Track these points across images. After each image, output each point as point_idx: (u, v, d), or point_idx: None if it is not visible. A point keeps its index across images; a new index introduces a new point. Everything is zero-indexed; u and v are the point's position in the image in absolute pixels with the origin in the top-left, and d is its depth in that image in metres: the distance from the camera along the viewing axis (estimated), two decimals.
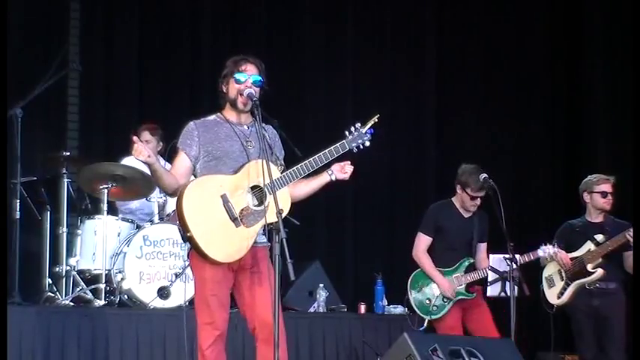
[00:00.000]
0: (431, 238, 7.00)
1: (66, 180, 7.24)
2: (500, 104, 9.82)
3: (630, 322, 6.94)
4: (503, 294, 6.62)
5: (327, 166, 5.04)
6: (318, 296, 7.49)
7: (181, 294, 6.72)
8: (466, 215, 7.00)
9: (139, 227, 7.14)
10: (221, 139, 4.94)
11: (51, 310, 6.70)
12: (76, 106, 8.62)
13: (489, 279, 6.87)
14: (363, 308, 7.65)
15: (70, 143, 8.45)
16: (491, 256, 7.05)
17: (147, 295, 6.86)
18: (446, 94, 9.78)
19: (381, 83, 9.56)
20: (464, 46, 9.83)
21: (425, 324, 6.94)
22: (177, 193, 4.86)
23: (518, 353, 6.14)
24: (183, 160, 4.96)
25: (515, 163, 9.81)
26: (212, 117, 5.05)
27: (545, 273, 7.13)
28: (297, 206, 5.01)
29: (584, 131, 9.77)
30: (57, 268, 7.15)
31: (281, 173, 4.93)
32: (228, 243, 4.81)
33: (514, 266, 6.53)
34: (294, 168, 4.93)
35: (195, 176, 4.99)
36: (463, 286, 6.91)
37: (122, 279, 6.91)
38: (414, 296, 6.98)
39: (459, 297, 6.90)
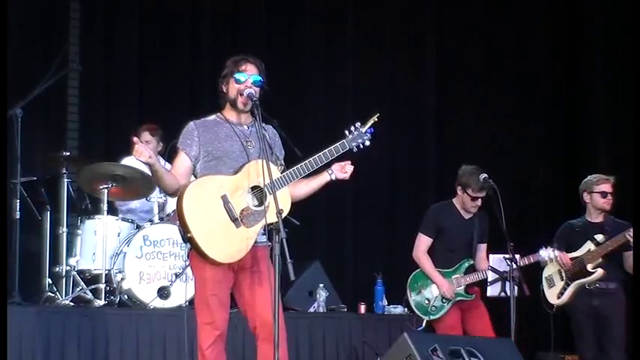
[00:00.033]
0: (431, 239, 7.00)
1: (66, 180, 7.24)
2: (500, 104, 9.82)
3: (630, 322, 6.94)
4: (503, 294, 6.61)
5: (327, 166, 5.04)
6: (318, 296, 7.50)
7: (181, 294, 6.72)
8: (466, 216, 7.00)
9: (139, 227, 7.14)
10: (221, 139, 4.94)
11: (51, 310, 6.70)
12: (76, 106, 8.62)
13: (489, 279, 6.87)
14: (363, 308, 7.65)
15: (70, 143, 8.45)
16: (491, 256, 7.05)
17: (147, 295, 6.86)
18: (446, 94, 9.78)
19: (381, 83, 9.56)
20: (464, 46, 9.83)
21: (423, 324, 6.94)
22: (177, 193, 4.86)
23: (518, 353, 6.14)
24: (183, 161, 4.96)
25: (515, 163, 9.81)
26: (212, 117, 5.05)
27: (545, 273, 7.13)
28: (297, 206, 5.01)
29: (584, 131, 9.77)
30: (57, 268, 7.15)
31: (281, 173, 4.93)
32: (228, 243, 4.81)
33: (514, 266, 6.53)
34: (294, 168, 4.93)
35: (196, 176, 4.99)
36: (462, 287, 6.91)
37: (122, 279, 6.91)
38: (413, 297, 6.98)
39: (458, 298, 6.90)
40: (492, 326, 6.90)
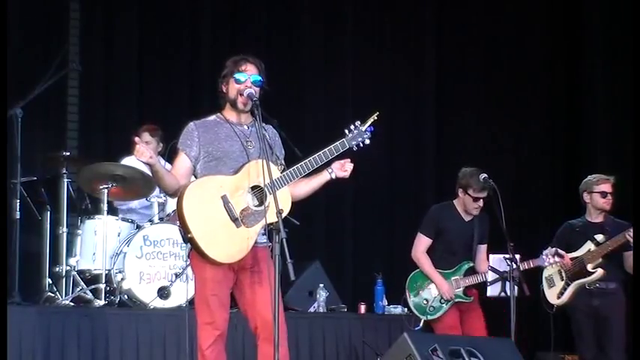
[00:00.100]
0: (431, 240, 6.99)
1: (66, 180, 7.23)
2: (500, 104, 9.82)
3: (630, 322, 6.94)
4: (503, 294, 6.62)
5: (327, 165, 5.04)
6: (318, 296, 7.49)
7: (181, 294, 6.71)
8: (467, 218, 6.99)
9: (139, 227, 7.14)
10: (221, 139, 4.94)
11: (51, 310, 6.70)
12: (75, 106, 8.62)
13: (489, 279, 6.87)
14: (363, 308, 7.65)
15: (69, 143, 8.45)
16: (491, 256, 7.05)
17: (147, 295, 6.86)
18: (446, 94, 9.78)
19: (381, 83, 9.56)
20: (464, 46, 9.83)
21: (420, 324, 6.94)
22: (177, 193, 4.86)
23: (518, 353, 6.13)
24: (183, 161, 4.96)
25: (516, 164, 9.81)
26: (212, 117, 5.05)
27: (545, 273, 7.13)
28: (297, 206, 5.00)
29: (584, 131, 9.77)
30: (57, 268, 7.15)
31: (281, 173, 4.93)
32: (229, 243, 4.81)
33: (514, 266, 6.53)
34: (294, 167, 4.93)
35: (196, 177, 4.99)
36: (461, 289, 6.91)
37: (122, 279, 6.91)
38: (411, 297, 6.98)
39: (457, 299, 6.90)
40: (487, 330, 6.90)
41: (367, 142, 5.06)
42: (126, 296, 6.94)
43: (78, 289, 7.05)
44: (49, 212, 7.28)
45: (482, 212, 6.97)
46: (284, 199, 4.80)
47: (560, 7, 9.98)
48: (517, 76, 9.89)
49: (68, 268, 7.12)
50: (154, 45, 8.90)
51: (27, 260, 6.94)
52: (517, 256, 6.62)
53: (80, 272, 7.13)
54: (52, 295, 7.08)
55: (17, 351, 6.07)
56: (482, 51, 9.88)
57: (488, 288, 7.00)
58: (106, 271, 6.94)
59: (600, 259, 6.94)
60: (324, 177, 5.06)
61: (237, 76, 4.95)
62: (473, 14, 9.83)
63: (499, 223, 6.49)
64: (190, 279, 6.38)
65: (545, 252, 7.01)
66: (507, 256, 6.55)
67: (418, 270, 7.01)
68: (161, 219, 7.24)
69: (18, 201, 6.75)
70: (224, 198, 4.80)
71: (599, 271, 6.94)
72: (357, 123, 5.07)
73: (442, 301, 6.90)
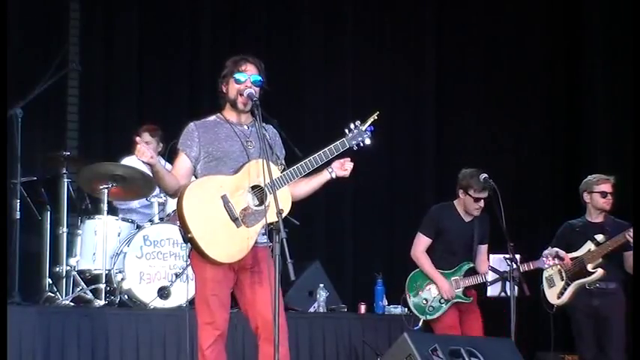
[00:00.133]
0: (430, 240, 6.99)
1: (66, 180, 7.24)
2: (500, 104, 9.82)
3: (630, 322, 6.94)
4: (503, 294, 6.62)
5: (327, 165, 5.04)
6: (318, 296, 7.49)
7: (181, 294, 6.71)
8: (467, 219, 6.99)
9: (139, 227, 7.14)
10: (221, 139, 4.94)
11: (51, 310, 6.70)
12: (75, 106, 8.62)
13: (489, 279, 6.87)
14: (363, 308, 7.65)
15: (69, 143, 8.45)
16: (491, 256, 7.06)
17: (147, 295, 6.86)
18: (446, 94, 9.78)
19: (381, 83, 9.56)
20: (464, 46, 9.83)
21: (419, 323, 6.94)
22: (178, 193, 4.86)
23: (518, 353, 6.14)
24: (183, 161, 4.96)
25: (516, 164, 9.81)
26: (212, 117, 5.05)
27: (546, 273, 7.13)
28: (297, 206, 5.00)
29: (584, 131, 9.77)
30: (57, 268, 7.15)
31: (281, 173, 4.93)
32: (229, 243, 4.81)
33: (514, 266, 6.53)
34: (295, 167, 4.93)
35: (196, 177, 4.99)
36: (461, 289, 6.91)
37: (122, 279, 6.92)
38: (410, 297, 6.98)
39: (456, 300, 6.90)
40: (484, 331, 6.91)
41: (367, 141, 5.06)
42: (126, 296, 6.94)
43: (78, 289, 7.05)
44: (49, 212, 7.28)
45: (482, 212, 6.97)
46: (284, 199, 4.80)
47: (560, 7, 9.98)
48: (517, 76, 9.89)
49: (68, 268, 7.13)
50: (154, 45, 8.90)
51: (27, 260, 6.95)
52: (517, 256, 6.62)
53: (80, 272, 7.13)
54: (52, 295, 7.08)
55: (17, 351, 6.07)
56: (483, 51, 9.89)
57: (489, 288, 7.01)
58: (106, 271, 6.94)
59: (600, 259, 6.94)
60: (324, 176, 5.06)
61: (237, 76, 4.95)
62: (473, 14, 9.83)
63: (499, 223, 6.49)
64: (190, 279, 6.38)
65: (545, 252, 7.02)
66: (507, 256, 6.55)
67: (418, 270, 7.01)
68: (161, 219, 7.25)
69: (18, 201, 6.75)
70: (224, 198, 4.80)
71: (599, 271, 6.94)
72: (357, 122, 5.07)
73: (441, 301, 6.89)
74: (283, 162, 5.08)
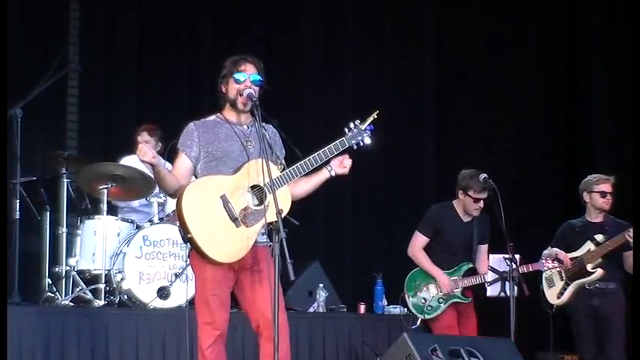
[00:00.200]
0: (428, 239, 6.99)
1: (65, 180, 7.24)
2: (500, 104, 9.82)
3: (630, 322, 6.94)
4: (502, 294, 6.62)
5: (327, 164, 5.03)
6: (317, 296, 7.49)
7: (181, 294, 6.71)
8: (465, 219, 6.99)
9: (138, 227, 7.14)
10: (221, 139, 4.94)
11: (51, 310, 6.70)
12: (75, 106, 8.62)
13: (489, 279, 6.87)
14: (362, 308, 7.65)
15: (69, 143, 8.45)
16: (491, 256, 7.06)
17: (147, 295, 6.86)
18: (446, 94, 9.78)
19: (381, 83, 9.56)
20: (464, 46, 9.83)
21: (418, 322, 6.94)
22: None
23: (517, 353, 6.14)
24: (183, 161, 4.96)
25: (516, 164, 9.81)
26: (212, 117, 5.05)
27: (545, 273, 7.13)
28: (296, 206, 5.00)
29: (584, 131, 9.77)
30: (57, 269, 7.15)
31: (281, 172, 4.93)
32: (229, 243, 4.81)
33: (514, 266, 6.53)
34: (294, 166, 4.93)
35: (196, 176, 4.99)
36: (460, 289, 6.91)
37: (122, 279, 6.91)
38: (409, 296, 6.98)
39: (454, 300, 6.90)
40: (478, 332, 6.91)
41: (367, 140, 5.06)
42: (125, 296, 6.94)
43: (78, 289, 7.05)
44: (48, 212, 7.28)
45: (482, 213, 6.97)
46: (284, 199, 4.80)
47: (560, 7, 9.98)
48: (517, 76, 9.89)
49: (68, 268, 7.12)
50: (154, 45, 8.89)
51: (27, 260, 6.94)
52: (517, 257, 6.62)
53: (80, 272, 7.13)
54: (52, 295, 7.08)
55: (17, 351, 6.07)
56: (483, 51, 9.89)
57: (488, 288, 7.01)
58: (106, 271, 6.94)
59: (600, 259, 6.94)
60: (323, 175, 5.05)
61: (236, 76, 4.95)
62: (473, 14, 9.83)
63: (499, 224, 6.50)
64: (190, 279, 6.38)
65: (544, 253, 7.03)
66: (507, 256, 6.55)
67: (417, 269, 7.01)
68: (161, 219, 7.25)
69: (18, 201, 6.75)
70: (223, 198, 4.80)
71: (599, 271, 6.94)
72: (357, 122, 5.07)
73: (440, 300, 6.90)
74: (283, 162, 5.08)
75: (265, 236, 4.85)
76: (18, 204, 6.75)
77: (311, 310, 7.50)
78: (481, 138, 9.76)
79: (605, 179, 7.10)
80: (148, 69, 8.85)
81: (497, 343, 6.30)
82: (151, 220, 7.26)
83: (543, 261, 6.91)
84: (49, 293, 7.08)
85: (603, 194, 7.06)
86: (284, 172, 4.91)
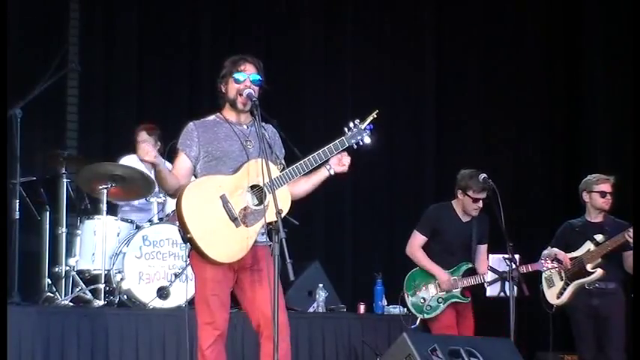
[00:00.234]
0: (426, 238, 7.00)
1: (65, 180, 7.23)
2: (500, 104, 9.82)
3: (630, 322, 6.94)
4: (502, 294, 6.62)
5: (326, 163, 5.03)
6: (317, 296, 7.49)
7: (181, 294, 6.71)
8: (464, 219, 6.99)
9: (138, 227, 7.14)
10: (220, 139, 4.94)
11: (50, 310, 6.70)
12: (75, 106, 8.62)
13: (488, 279, 6.87)
14: (362, 308, 7.65)
15: (69, 143, 8.45)
16: (490, 256, 7.06)
17: (146, 295, 6.86)
18: (446, 94, 9.78)
19: (381, 83, 9.56)
20: (464, 46, 9.83)
21: (417, 322, 6.94)
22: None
23: (517, 353, 6.14)
24: (183, 161, 4.96)
25: (516, 164, 9.81)
26: (211, 117, 5.05)
27: (545, 273, 7.13)
28: (296, 206, 5.00)
29: (584, 131, 9.77)
30: (56, 269, 7.14)
31: (281, 172, 4.93)
32: (228, 243, 4.81)
33: (513, 266, 6.53)
34: (294, 166, 4.93)
35: (196, 177, 4.99)
36: (459, 289, 6.91)
37: (121, 279, 6.91)
38: (409, 296, 6.98)
39: (454, 299, 6.90)
40: (479, 332, 6.90)
41: (367, 140, 5.06)
42: (125, 296, 6.93)
43: (77, 290, 7.05)
44: (48, 212, 7.27)
45: (481, 213, 6.97)
46: (283, 199, 4.80)
47: (560, 7, 9.98)
48: (517, 76, 9.88)
49: (67, 268, 7.12)
50: (154, 45, 8.89)
51: (26, 260, 6.94)
52: (516, 257, 6.62)
53: (79, 272, 7.13)
54: (52, 295, 7.08)
55: (17, 351, 6.07)
56: (483, 51, 9.88)
57: (488, 288, 7.00)
58: (106, 271, 6.93)
59: (600, 259, 6.94)
60: (322, 174, 5.05)
61: (236, 75, 4.95)
62: (473, 14, 9.83)
63: (498, 224, 6.49)
64: (190, 279, 6.38)
65: (544, 253, 7.03)
66: (507, 256, 6.55)
67: (416, 269, 7.01)
68: (160, 219, 7.25)
69: (17, 201, 6.75)
70: (223, 198, 4.80)
71: (599, 271, 6.94)
72: (357, 121, 5.07)
73: (439, 300, 6.90)
74: (283, 161, 5.08)
75: (265, 236, 4.85)
76: (18, 204, 6.74)
77: (311, 310, 7.50)
78: (481, 138, 9.76)
79: (605, 179, 7.10)
80: (148, 69, 8.85)
81: (497, 343, 6.30)
82: (150, 220, 7.26)
83: (543, 261, 6.91)
84: (49, 293, 7.08)
85: (603, 194, 7.06)
86: (284, 172, 4.91)
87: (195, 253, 4.84)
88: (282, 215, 4.62)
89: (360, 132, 5.04)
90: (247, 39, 8.98)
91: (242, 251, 4.83)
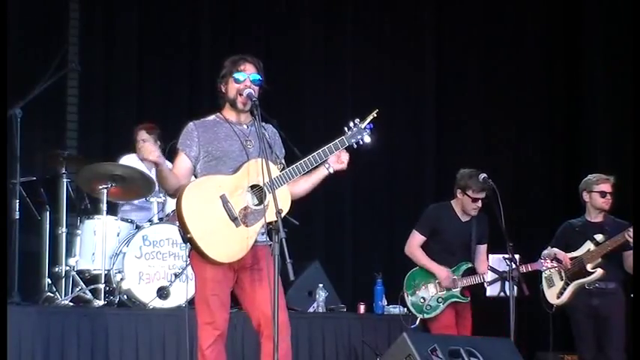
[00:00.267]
0: (424, 238, 7.01)
1: (65, 180, 7.23)
2: (500, 104, 9.82)
3: (630, 322, 6.94)
4: (502, 294, 6.62)
5: (325, 162, 5.03)
6: (317, 296, 7.49)
7: (181, 294, 6.71)
8: (464, 219, 6.99)
9: (138, 227, 7.14)
10: (220, 139, 4.94)
11: (50, 310, 6.70)
12: (75, 106, 8.62)
13: (488, 279, 6.87)
14: (362, 308, 7.65)
15: (69, 143, 8.45)
16: (490, 256, 7.06)
17: (146, 295, 6.86)
18: (446, 94, 9.78)
19: (381, 83, 9.56)
20: (464, 46, 9.83)
21: (417, 322, 6.94)
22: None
23: (517, 353, 6.14)
24: (183, 161, 4.97)
25: (516, 164, 9.81)
26: (211, 117, 5.06)
27: (545, 273, 7.13)
28: (296, 206, 5.00)
29: (584, 131, 9.77)
30: (56, 268, 7.14)
31: (280, 172, 4.93)
32: (228, 243, 4.81)
33: (513, 266, 6.53)
34: (294, 166, 4.93)
35: (196, 176, 4.99)
36: (458, 289, 6.91)
37: (121, 279, 6.91)
38: (408, 296, 6.98)
39: (453, 299, 6.90)
40: (478, 332, 6.90)
41: (367, 139, 5.06)
42: (125, 296, 6.93)
43: (77, 289, 7.05)
44: (48, 212, 7.27)
45: (481, 212, 6.97)
46: (283, 199, 4.80)
47: (560, 7, 9.98)
48: (517, 76, 9.88)
49: (67, 268, 7.12)
50: (154, 45, 8.89)
51: (26, 260, 6.94)
52: (516, 256, 6.62)
53: (79, 272, 7.13)
54: (52, 295, 7.08)
55: (17, 351, 6.07)
56: (483, 51, 9.88)
57: (488, 288, 7.00)
58: (106, 271, 6.93)
59: (600, 259, 6.95)
60: (322, 173, 5.05)
61: (236, 75, 4.95)
62: (473, 14, 9.83)
63: (498, 223, 6.49)
64: (190, 279, 6.38)
65: (544, 253, 7.03)
66: (507, 256, 6.55)
67: (416, 269, 7.02)
68: (160, 219, 7.24)
69: (17, 201, 6.75)
70: (223, 197, 4.80)
71: (599, 271, 6.94)
72: (357, 120, 5.07)
73: (439, 300, 6.90)
74: (283, 161, 5.09)
75: (265, 236, 4.85)
76: (18, 204, 6.74)
77: (311, 310, 7.49)
78: (481, 138, 9.76)
79: (605, 179, 7.10)
80: (148, 69, 8.85)
81: (497, 343, 6.30)
82: (150, 220, 7.26)
83: (542, 261, 6.91)
84: (49, 293, 7.08)
85: (603, 194, 7.07)
86: (283, 172, 4.92)
87: (195, 253, 4.84)
88: (282, 215, 4.62)
89: (360, 131, 5.04)
90: (247, 39, 8.98)
91: (242, 251, 4.83)
